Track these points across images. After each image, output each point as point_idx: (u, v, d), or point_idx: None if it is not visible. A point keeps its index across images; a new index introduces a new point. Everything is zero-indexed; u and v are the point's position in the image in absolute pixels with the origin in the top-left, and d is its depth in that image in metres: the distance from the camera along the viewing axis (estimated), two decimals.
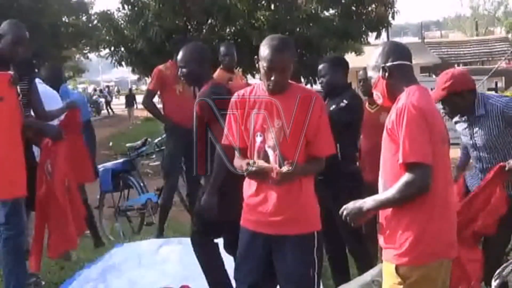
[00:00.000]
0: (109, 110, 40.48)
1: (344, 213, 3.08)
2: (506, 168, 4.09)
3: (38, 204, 5.00)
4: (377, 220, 5.16)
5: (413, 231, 2.88)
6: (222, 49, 7.56)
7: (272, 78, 3.40)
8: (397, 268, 2.93)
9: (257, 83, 3.64)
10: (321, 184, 4.08)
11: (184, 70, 4.50)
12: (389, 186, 2.94)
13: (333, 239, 4.85)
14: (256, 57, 3.48)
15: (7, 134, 4.61)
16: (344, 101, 4.75)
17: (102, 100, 40.45)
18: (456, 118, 4.44)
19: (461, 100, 4.22)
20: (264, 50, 3.40)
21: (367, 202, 3.01)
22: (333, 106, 4.72)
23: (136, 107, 33.11)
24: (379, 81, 3.05)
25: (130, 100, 33.63)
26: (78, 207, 5.36)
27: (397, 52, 3.08)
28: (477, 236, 4.15)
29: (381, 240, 3.04)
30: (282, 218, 3.47)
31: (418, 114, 2.84)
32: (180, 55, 4.53)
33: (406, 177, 2.82)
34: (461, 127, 4.45)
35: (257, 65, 3.48)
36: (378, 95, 3.12)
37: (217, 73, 7.33)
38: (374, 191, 3.12)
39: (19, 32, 4.89)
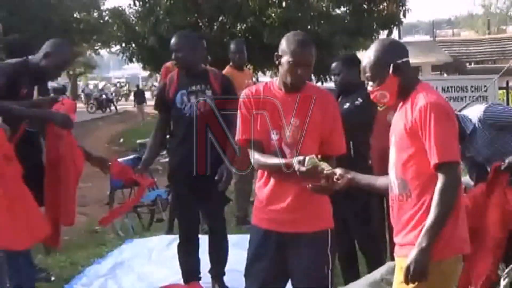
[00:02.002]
0: (115, 107, 39.14)
1: (414, 276, 2.81)
2: (502, 168, 4.09)
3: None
4: (385, 218, 5.19)
5: None
6: (232, 46, 7.53)
7: (298, 73, 3.37)
8: None
9: (270, 80, 3.62)
10: None
11: (178, 55, 4.85)
12: (410, 185, 2.91)
13: (343, 236, 4.83)
14: (277, 53, 3.43)
15: None
16: (359, 99, 4.72)
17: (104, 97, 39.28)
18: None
19: None
20: (289, 44, 3.38)
21: (423, 242, 2.79)
22: (347, 104, 4.70)
23: (146, 103, 33.02)
24: (389, 79, 2.97)
25: (139, 97, 33.51)
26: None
27: (401, 49, 3.04)
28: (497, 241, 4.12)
29: (398, 238, 3.00)
30: (296, 216, 3.45)
31: (445, 112, 2.85)
32: (173, 40, 4.87)
33: (441, 184, 2.79)
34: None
35: (276, 61, 3.44)
36: (384, 94, 3.02)
37: (226, 70, 7.32)
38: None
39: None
